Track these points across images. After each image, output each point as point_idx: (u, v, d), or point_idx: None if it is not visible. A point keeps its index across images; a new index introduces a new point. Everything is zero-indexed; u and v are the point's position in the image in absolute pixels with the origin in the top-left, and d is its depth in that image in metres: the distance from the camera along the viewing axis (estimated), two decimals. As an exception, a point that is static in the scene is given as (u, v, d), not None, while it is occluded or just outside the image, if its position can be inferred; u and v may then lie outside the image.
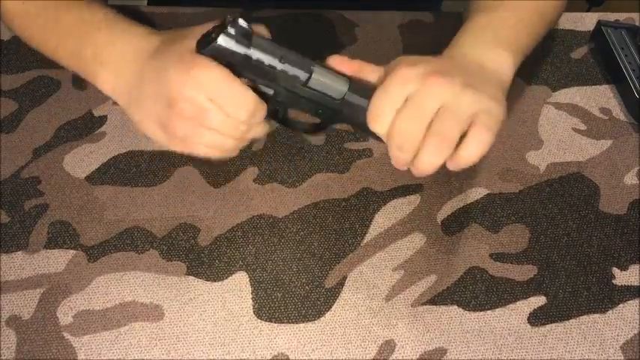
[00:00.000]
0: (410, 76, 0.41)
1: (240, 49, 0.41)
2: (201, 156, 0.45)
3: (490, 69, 0.45)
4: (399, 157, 0.42)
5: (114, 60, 0.47)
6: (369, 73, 0.45)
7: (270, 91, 0.44)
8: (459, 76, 0.41)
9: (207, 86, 0.41)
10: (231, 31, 0.41)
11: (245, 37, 0.41)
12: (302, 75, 0.43)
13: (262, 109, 0.43)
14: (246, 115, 0.42)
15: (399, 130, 0.41)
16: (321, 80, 0.43)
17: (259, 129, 0.45)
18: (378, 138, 0.44)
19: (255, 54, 0.41)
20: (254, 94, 0.42)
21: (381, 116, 0.42)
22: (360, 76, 0.45)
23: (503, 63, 0.46)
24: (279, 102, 0.44)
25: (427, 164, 0.42)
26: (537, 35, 0.53)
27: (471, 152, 0.42)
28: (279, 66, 0.42)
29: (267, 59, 0.42)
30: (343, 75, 0.44)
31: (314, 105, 0.44)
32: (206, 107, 0.42)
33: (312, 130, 0.49)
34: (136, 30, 0.48)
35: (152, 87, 0.44)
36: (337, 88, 0.44)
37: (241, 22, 0.41)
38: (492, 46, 0.47)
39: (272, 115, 0.45)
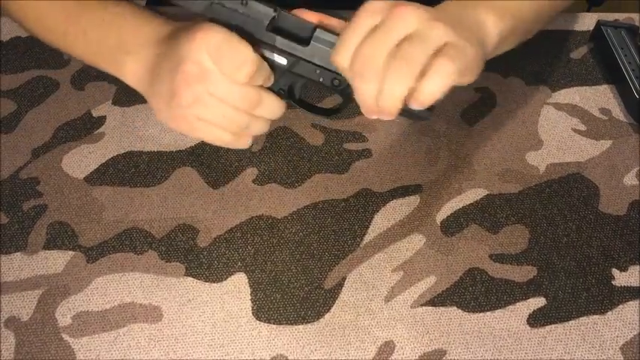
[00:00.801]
0: (377, 8, 0.39)
1: None
2: (205, 139, 0.44)
3: (471, 21, 0.43)
4: (363, 90, 0.40)
5: (140, 47, 0.47)
6: (336, 24, 0.44)
7: (283, 61, 0.42)
8: (433, 12, 0.40)
9: (209, 46, 0.41)
10: None
11: None
12: (269, 13, 0.41)
13: (263, 71, 0.42)
14: (246, 76, 0.41)
15: (361, 56, 0.39)
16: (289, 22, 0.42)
17: (261, 123, 0.44)
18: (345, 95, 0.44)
19: None
20: (254, 54, 0.41)
21: (345, 47, 0.40)
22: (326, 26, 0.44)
23: (486, 21, 0.44)
24: (293, 74, 0.43)
25: (390, 95, 0.39)
26: (533, 10, 0.49)
27: (433, 85, 0.39)
28: (241, 9, 0.41)
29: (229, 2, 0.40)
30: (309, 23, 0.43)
31: (329, 74, 0.43)
32: (208, 67, 0.41)
33: (329, 112, 0.48)
34: (156, 18, 0.48)
35: (167, 64, 0.44)
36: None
37: None
38: (477, 5, 0.45)
39: (289, 94, 0.44)
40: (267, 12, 0.41)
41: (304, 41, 0.42)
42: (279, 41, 0.42)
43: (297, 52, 0.42)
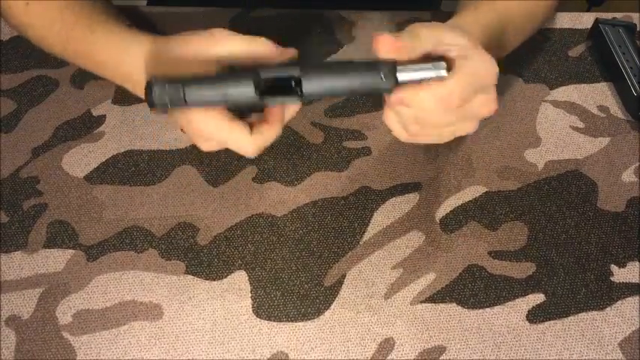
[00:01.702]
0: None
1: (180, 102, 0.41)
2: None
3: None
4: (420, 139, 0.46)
5: (130, 75, 0.50)
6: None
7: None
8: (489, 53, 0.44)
9: (210, 134, 0.45)
10: (156, 97, 0.40)
11: (175, 96, 0.40)
12: (250, 90, 0.41)
13: (269, 139, 0.46)
14: (254, 154, 0.46)
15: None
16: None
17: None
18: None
19: (194, 103, 0.41)
20: (249, 139, 0.45)
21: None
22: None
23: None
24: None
25: (446, 138, 0.46)
26: (524, 33, 0.55)
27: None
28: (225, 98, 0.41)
29: (212, 98, 0.41)
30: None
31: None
32: (218, 144, 0.47)
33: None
34: (138, 37, 0.50)
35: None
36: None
37: (157, 87, 0.40)
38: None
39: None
40: (248, 85, 0.41)
41: (295, 91, 0.42)
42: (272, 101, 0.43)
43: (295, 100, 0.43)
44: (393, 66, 0.41)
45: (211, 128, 0.44)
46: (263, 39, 0.45)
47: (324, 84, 0.41)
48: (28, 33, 0.54)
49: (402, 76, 0.41)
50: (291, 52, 0.46)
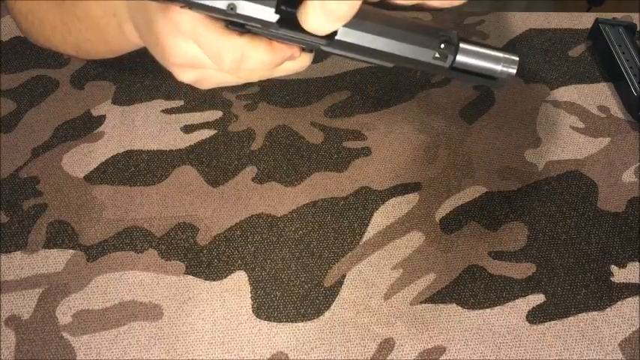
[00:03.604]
0: None
1: None
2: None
3: None
4: None
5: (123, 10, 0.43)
6: None
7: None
8: None
9: (190, 35, 0.35)
10: None
11: None
12: (268, 7, 0.30)
13: (254, 56, 0.34)
14: (229, 67, 0.35)
15: None
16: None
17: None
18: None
19: None
20: (230, 40, 0.34)
21: None
22: None
23: None
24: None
25: None
26: None
27: None
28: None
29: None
30: None
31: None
32: (193, 56, 0.36)
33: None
34: None
35: (143, 23, 0.40)
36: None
37: None
38: None
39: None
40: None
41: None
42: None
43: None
44: (456, 37, 0.32)
45: (187, 23, 0.34)
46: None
47: (365, 33, 0.31)
48: (28, 22, 0.53)
49: (461, 57, 0.33)
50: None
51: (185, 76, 0.38)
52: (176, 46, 0.36)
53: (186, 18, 0.34)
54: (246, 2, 0.29)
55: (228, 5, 0.30)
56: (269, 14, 0.30)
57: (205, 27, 0.34)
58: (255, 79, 0.38)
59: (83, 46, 0.52)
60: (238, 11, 0.30)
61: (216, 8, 0.30)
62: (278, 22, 0.30)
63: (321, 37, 0.30)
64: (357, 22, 0.30)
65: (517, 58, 0.33)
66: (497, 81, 0.34)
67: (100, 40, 0.49)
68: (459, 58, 0.33)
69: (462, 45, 0.33)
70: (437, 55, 0.32)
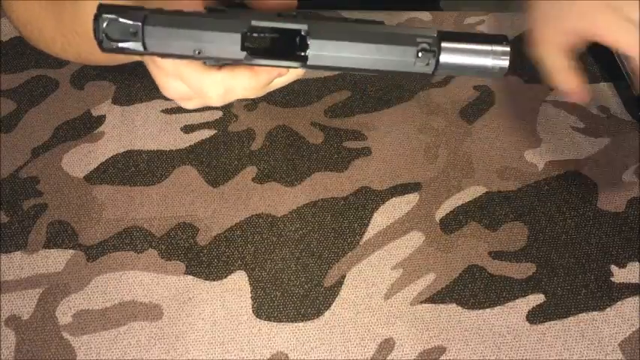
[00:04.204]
0: None
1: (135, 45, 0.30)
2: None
3: None
4: None
5: None
6: None
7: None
8: None
9: (168, 68, 0.35)
10: (103, 35, 0.29)
11: (130, 37, 0.29)
12: (234, 46, 0.30)
13: (242, 85, 0.34)
14: (218, 101, 0.35)
15: None
16: None
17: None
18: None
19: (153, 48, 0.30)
20: (213, 76, 0.33)
21: None
22: None
23: None
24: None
25: None
26: None
27: None
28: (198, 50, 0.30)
29: (181, 49, 0.30)
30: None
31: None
32: (180, 91, 0.36)
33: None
34: None
35: None
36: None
37: (106, 21, 0.29)
38: None
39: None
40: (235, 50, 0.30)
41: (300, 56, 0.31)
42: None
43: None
44: (436, 40, 0.30)
45: (169, 65, 0.34)
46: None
47: (338, 52, 0.30)
48: (29, 32, 0.53)
49: (446, 57, 0.30)
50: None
51: (188, 105, 0.39)
52: (167, 85, 0.36)
53: (168, 60, 0.34)
54: (211, 45, 0.29)
55: (194, 50, 0.30)
56: (236, 52, 0.29)
57: (185, 67, 0.34)
58: (252, 96, 0.37)
59: (84, 56, 0.52)
60: (206, 54, 0.30)
61: (183, 55, 0.30)
62: (246, 57, 0.30)
63: (294, 61, 0.30)
64: (325, 42, 0.30)
65: (508, 49, 0.30)
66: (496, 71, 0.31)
67: (101, 53, 0.49)
68: (444, 58, 0.30)
69: (444, 44, 0.30)
70: (417, 62, 0.30)
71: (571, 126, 0.61)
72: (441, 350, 0.48)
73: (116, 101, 0.60)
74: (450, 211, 0.55)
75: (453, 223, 0.54)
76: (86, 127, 0.59)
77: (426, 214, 0.55)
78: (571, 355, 0.48)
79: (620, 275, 0.52)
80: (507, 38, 0.30)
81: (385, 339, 0.49)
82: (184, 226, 0.53)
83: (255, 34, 0.30)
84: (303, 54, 0.30)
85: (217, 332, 0.49)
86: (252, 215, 0.54)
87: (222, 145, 0.58)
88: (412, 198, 0.56)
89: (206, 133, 0.59)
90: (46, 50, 0.54)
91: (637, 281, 0.52)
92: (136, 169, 0.56)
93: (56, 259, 0.51)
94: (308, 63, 0.30)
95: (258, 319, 0.49)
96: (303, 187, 0.56)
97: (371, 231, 0.54)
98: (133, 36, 0.29)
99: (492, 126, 0.60)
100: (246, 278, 0.51)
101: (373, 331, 0.49)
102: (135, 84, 0.62)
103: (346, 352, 0.48)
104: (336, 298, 0.50)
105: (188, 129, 0.59)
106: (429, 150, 0.59)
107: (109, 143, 0.58)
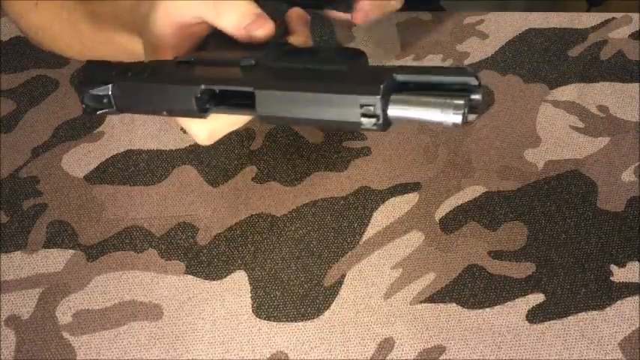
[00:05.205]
0: None
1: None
2: None
3: None
4: None
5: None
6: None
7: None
8: None
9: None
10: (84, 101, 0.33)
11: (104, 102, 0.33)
12: (189, 104, 0.32)
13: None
14: (208, 141, 0.37)
15: None
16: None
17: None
18: None
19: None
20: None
21: None
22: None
23: None
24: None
25: None
26: None
27: None
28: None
29: (146, 108, 0.34)
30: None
31: None
32: None
33: None
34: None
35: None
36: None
37: (83, 93, 0.33)
38: None
39: None
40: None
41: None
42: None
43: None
44: (381, 100, 0.27)
45: None
46: (237, 8, 0.35)
47: (283, 108, 0.30)
48: (40, 38, 0.52)
49: (394, 112, 0.28)
50: (261, 34, 0.35)
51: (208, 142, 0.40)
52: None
53: None
54: (171, 105, 0.32)
55: (158, 110, 0.33)
56: (194, 111, 0.32)
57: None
58: (238, 127, 0.39)
59: (106, 58, 0.51)
60: (168, 112, 0.33)
61: (150, 112, 0.34)
62: (203, 111, 0.32)
63: (248, 111, 0.31)
64: (272, 98, 0.30)
65: (462, 102, 0.26)
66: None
67: (124, 56, 0.49)
68: (392, 113, 0.28)
69: (392, 102, 0.28)
70: (364, 122, 0.28)
71: (570, 125, 0.61)
72: (441, 350, 0.48)
73: (116, 101, 0.60)
74: (450, 211, 0.55)
75: (452, 222, 0.54)
76: (86, 126, 0.59)
77: (425, 213, 0.55)
78: (571, 354, 0.48)
79: (620, 275, 0.52)
80: (471, 85, 0.27)
81: (385, 338, 0.49)
82: (184, 226, 0.53)
83: (209, 90, 0.31)
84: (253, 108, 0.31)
85: (217, 332, 0.49)
86: (252, 215, 0.54)
87: (222, 145, 0.58)
88: (412, 198, 0.56)
89: (206, 133, 0.59)
90: (57, 53, 0.54)
91: (637, 281, 0.52)
92: (136, 168, 0.56)
93: (56, 259, 0.51)
94: (258, 114, 0.30)
95: (258, 319, 0.49)
96: (302, 187, 0.56)
97: (371, 230, 0.54)
98: (108, 101, 0.33)
99: (492, 126, 0.60)
100: (246, 278, 0.51)
101: (373, 331, 0.49)
102: (135, 84, 0.62)
103: (346, 351, 0.48)
104: (336, 298, 0.50)
105: (188, 129, 0.59)
106: (429, 150, 0.59)
107: (109, 143, 0.58)
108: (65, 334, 0.48)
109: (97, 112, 0.33)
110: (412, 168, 0.57)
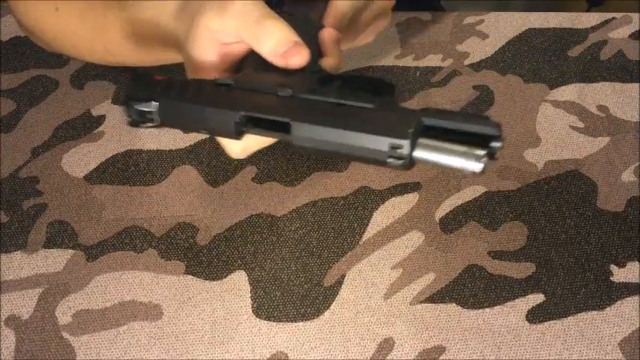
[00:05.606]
0: None
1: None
2: None
3: None
4: None
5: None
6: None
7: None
8: None
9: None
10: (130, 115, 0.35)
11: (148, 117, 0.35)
12: (229, 128, 0.34)
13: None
14: (241, 155, 0.41)
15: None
16: None
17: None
18: None
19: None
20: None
21: None
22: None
23: None
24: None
25: None
26: None
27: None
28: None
29: (188, 126, 0.36)
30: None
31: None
32: None
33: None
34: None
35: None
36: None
37: (128, 108, 0.35)
38: None
39: None
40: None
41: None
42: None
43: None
44: (408, 145, 0.30)
45: None
46: (276, 35, 0.36)
47: (316, 140, 0.32)
48: (58, 44, 0.51)
49: (419, 154, 0.30)
50: (297, 62, 0.37)
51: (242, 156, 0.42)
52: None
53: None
54: (211, 126, 0.35)
55: (199, 129, 0.36)
56: (231, 133, 0.34)
57: None
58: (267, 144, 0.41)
59: (129, 62, 0.51)
60: (208, 132, 0.36)
61: (191, 130, 0.37)
62: (240, 134, 0.34)
63: (283, 134, 0.33)
64: (306, 126, 0.32)
65: (483, 152, 0.29)
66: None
67: (151, 62, 0.49)
68: (417, 155, 0.30)
69: (418, 147, 0.30)
70: (390, 161, 0.31)
71: (570, 125, 0.61)
72: (441, 350, 0.48)
73: (116, 101, 0.60)
74: (450, 211, 0.55)
75: (452, 222, 0.54)
76: (86, 126, 0.59)
77: (425, 213, 0.55)
78: (570, 354, 0.48)
79: (620, 275, 0.52)
80: (493, 135, 0.29)
81: (385, 338, 0.49)
82: (184, 226, 0.53)
83: (247, 116, 0.34)
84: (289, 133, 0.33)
85: (217, 332, 0.49)
86: (251, 215, 0.54)
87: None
88: (412, 198, 0.56)
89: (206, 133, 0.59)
90: (77, 58, 0.53)
91: (636, 281, 0.52)
92: (136, 168, 0.56)
93: (56, 259, 0.51)
94: (292, 142, 0.33)
95: (257, 319, 0.49)
96: (302, 187, 0.56)
97: (370, 231, 0.54)
98: (152, 117, 0.35)
99: (492, 126, 0.60)
100: (246, 278, 0.51)
101: (373, 331, 0.49)
102: (135, 84, 0.62)
103: (346, 351, 0.48)
104: (336, 298, 0.50)
105: (188, 129, 0.59)
106: (429, 150, 0.58)
107: (109, 143, 0.58)
108: (65, 334, 0.48)
109: (140, 126, 0.36)
110: (412, 168, 0.57)
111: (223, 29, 0.37)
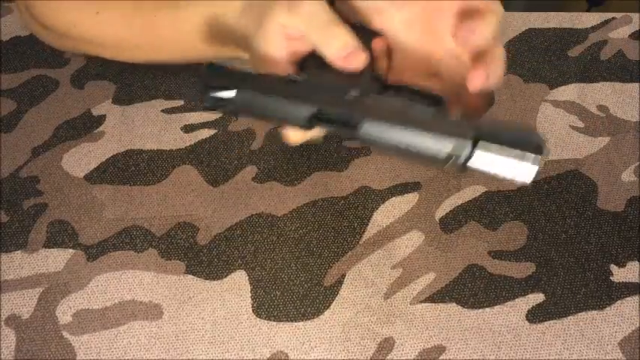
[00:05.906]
0: None
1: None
2: None
3: None
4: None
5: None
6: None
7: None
8: None
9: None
10: (207, 103, 0.38)
11: (226, 104, 0.38)
12: (301, 119, 0.37)
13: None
14: (298, 141, 0.41)
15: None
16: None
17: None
18: None
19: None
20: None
21: None
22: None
23: None
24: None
25: None
26: None
27: None
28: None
29: (262, 114, 0.38)
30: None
31: None
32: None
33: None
34: None
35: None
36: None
37: (208, 95, 0.37)
38: None
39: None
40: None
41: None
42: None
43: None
44: (470, 133, 0.33)
45: None
46: (341, 39, 0.39)
47: (383, 136, 0.35)
48: (92, 45, 0.49)
49: (477, 155, 0.33)
50: (356, 65, 0.39)
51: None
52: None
53: None
54: (286, 119, 0.38)
55: (272, 118, 0.39)
56: (305, 125, 0.37)
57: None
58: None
59: (152, 58, 0.50)
60: (281, 122, 0.39)
61: (264, 119, 0.40)
62: (314, 125, 0.37)
63: (350, 131, 0.36)
64: (377, 122, 0.35)
65: (537, 156, 0.32)
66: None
67: (197, 59, 0.48)
68: (472, 164, 0.34)
69: (476, 154, 0.33)
70: (448, 156, 0.34)
71: (570, 125, 0.61)
72: (441, 349, 0.48)
73: (116, 101, 0.60)
74: (450, 211, 0.55)
75: (452, 222, 0.54)
76: (86, 126, 0.59)
77: (425, 213, 0.55)
78: (570, 354, 0.48)
79: (620, 274, 0.52)
80: (539, 147, 0.33)
81: (385, 338, 0.49)
82: (184, 226, 0.53)
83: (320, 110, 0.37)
84: (356, 128, 0.36)
85: (217, 331, 0.49)
86: (252, 215, 0.54)
87: (222, 145, 0.58)
88: (412, 197, 0.56)
89: (206, 133, 0.59)
90: (113, 58, 0.51)
91: (636, 280, 0.52)
92: (136, 168, 0.56)
93: (56, 259, 0.51)
94: (359, 136, 0.36)
95: (258, 319, 0.49)
96: (303, 187, 0.56)
97: (371, 230, 0.54)
98: (228, 104, 0.37)
99: (492, 125, 0.60)
100: (246, 277, 0.51)
101: (373, 331, 0.49)
102: (135, 83, 0.62)
103: (346, 351, 0.48)
104: (336, 298, 0.50)
105: (188, 128, 0.59)
106: (429, 149, 0.59)
107: (109, 143, 0.58)
108: (65, 334, 0.48)
109: (215, 110, 0.39)
110: (412, 168, 0.57)
111: (293, 25, 0.39)
